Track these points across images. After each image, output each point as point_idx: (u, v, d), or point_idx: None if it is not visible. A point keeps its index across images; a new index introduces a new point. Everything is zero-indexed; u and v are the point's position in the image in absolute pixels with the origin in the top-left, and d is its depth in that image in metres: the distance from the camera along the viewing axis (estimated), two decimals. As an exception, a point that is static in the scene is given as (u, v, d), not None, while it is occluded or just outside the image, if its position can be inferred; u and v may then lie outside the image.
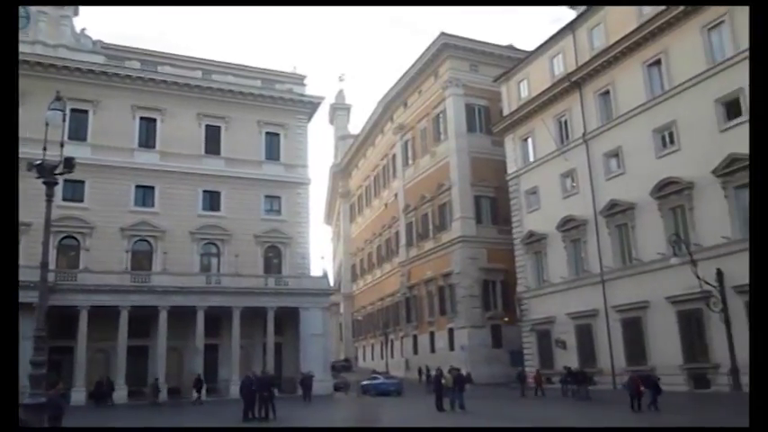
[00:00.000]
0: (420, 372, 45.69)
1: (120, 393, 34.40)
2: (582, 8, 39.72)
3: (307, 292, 40.42)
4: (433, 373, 30.19)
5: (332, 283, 47.04)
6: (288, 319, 40.19)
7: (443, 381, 26.15)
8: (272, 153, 45.64)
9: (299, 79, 48.34)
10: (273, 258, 43.88)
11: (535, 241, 40.62)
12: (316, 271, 46.34)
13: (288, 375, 38.46)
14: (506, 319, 45.61)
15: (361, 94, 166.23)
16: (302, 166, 46.22)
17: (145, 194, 41.48)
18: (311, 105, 47.61)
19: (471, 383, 39.65)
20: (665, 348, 30.84)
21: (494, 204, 48.88)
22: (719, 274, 27.74)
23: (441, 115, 52.07)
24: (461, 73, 50.50)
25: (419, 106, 55.81)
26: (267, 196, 44.46)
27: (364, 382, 40.63)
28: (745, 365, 26.79)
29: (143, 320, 37.00)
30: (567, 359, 35.96)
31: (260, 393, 23.38)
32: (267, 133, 45.72)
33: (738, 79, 28.09)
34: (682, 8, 30.84)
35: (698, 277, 27.26)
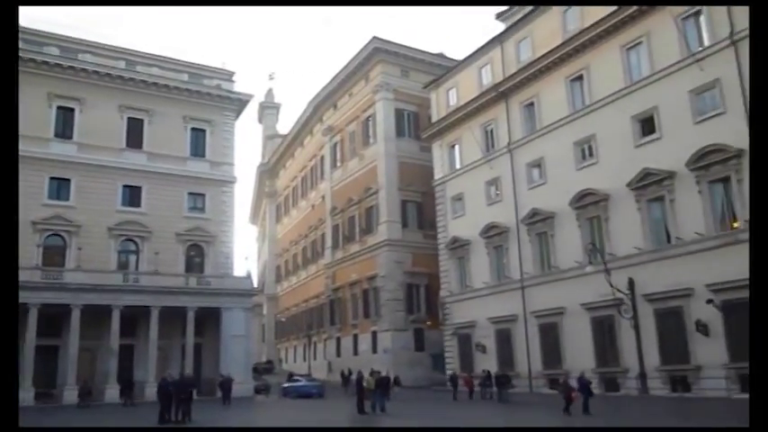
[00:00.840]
0: (343, 374, 45.65)
1: (26, 395, 32.55)
2: (511, 21, 40.90)
3: (229, 293, 39.67)
4: (354, 376, 30.21)
5: (256, 284, 46.32)
6: (209, 320, 39.33)
7: (365, 383, 26.26)
8: (198, 149, 44.56)
9: (228, 75, 47.46)
10: (195, 257, 42.82)
11: (459, 247, 41.39)
12: (239, 271, 45.63)
13: (207, 377, 37.60)
14: (429, 322, 46.25)
15: (290, 93, 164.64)
16: (228, 164, 45.37)
17: (60, 187, 39.59)
18: (239, 103, 46.83)
19: (399, 386, 40.03)
20: (580, 353, 32.05)
21: (420, 209, 49.49)
22: (631, 282, 29.15)
23: (370, 119, 52.32)
24: (392, 78, 50.93)
25: (349, 109, 55.89)
26: (191, 193, 43.37)
27: (285, 385, 40.24)
28: (652, 370, 28.27)
29: (54, 319, 35.32)
30: (487, 363, 36.79)
31: (177, 396, 22.77)
32: (193, 129, 44.60)
33: (653, 98, 29.69)
34: (603, 27, 32.21)
35: (611, 285, 28.51)
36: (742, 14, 26.42)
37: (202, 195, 43.73)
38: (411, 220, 49.51)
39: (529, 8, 39.12)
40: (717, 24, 27.48)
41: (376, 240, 49.41)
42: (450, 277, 42.14)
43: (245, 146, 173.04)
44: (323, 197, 60.73)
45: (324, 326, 57.36)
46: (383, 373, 29.17)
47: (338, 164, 57.88)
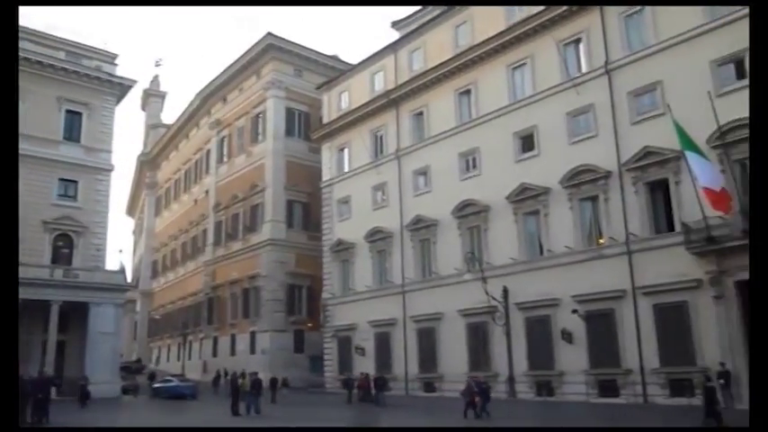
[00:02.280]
0: (218, 375, 44.49)
1: None
2: (406, 30, 41.72)
3: (99, 287, 37.46)
4: (230, 376, 29.52)
5: (129, 279, 44.14)
6: (75, 315, 36.94)
7: (240, 384, 25.77)
8: (72, 133, 41.75)
9: (110, 58, 44.91)
10: (63, 248, 40.06)
11: (343, 249, 41.57)
12: (112, 265, 43.27)
13: (71, 376, 35.30)
14: (310, 324, 46.08)
15: (178, 83, 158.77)
16: (106, 151, 42.88)
17: None
18: (121, 87, 44.41)
19: (288, 388, 39.49)
20: (454, 357, 33.13)
21: (306, 210, 49.24)
22: (505, 291, 30.54)
23: (260, 116, 51.46)
24: (285, 76, 50.39)
25: (239, 104, 54.65)
26: (62, 180, 40.52)
27: (156, 385, 38.61)
28: (520, 374, 29.73)
29: None
30: (365, 365, 37.17)
31: (34, 396, 21.27)
32: (68, 111, 41.72)
33: (534, 117, 31.33)
34: (491, 45, 33.59)
35: (487, 293, 29.75)
36: (617, 46, 28.61)
37: (75, 182, 40.99)
38: (296, 220, 49.15)
39: (425, 19, 40.16)
40: (594, 53, 29.47)
41: (259, 239, 48.60)
42: (333, 279, 42.22)
43: (126, 134, 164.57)
44: (207, 192, 58.94)
45: (201, 325, 55.63)
46: (259, 375, 28.77)
47: (224, 159, 56.42)
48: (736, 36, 24.50)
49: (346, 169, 43.18)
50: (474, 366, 32.20)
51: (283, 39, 50.63)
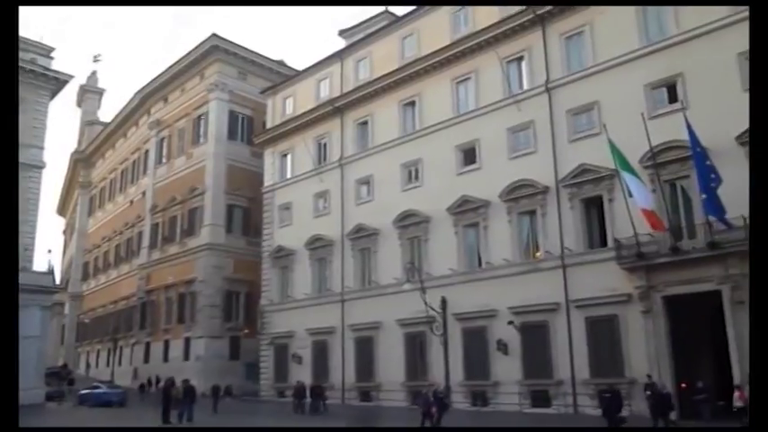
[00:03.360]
0: (150, 382, 43.31)
1: None
2: (353, 39, 41.83)
3: (26, 288, 35.84)
4: (162, 383, 28.81)
5: (58, 281, 42.47)
6: (-2, 319, 35.28)
7: (173, 392, 25.16)
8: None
9: (46, 51, 43.24)
10: (-12, 248, 38.26)
11: (283, 256, 41.20)
12: (40, 265, 41.47)
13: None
14: (247, 331, 45.38)
15: (117, 80, 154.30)
16: (37, 148, 41.18)
17: None
18: (57, 82, 42.80)
19: (231, 396, 38.70)
20: (391, 366, 33.27)
21: (246, 215, 48.58)
22: (444, 301, 30.85)
23: (202, 117, 50.55)
24: (229, 78, 49.70)
25: (180, 104, 53.54)
26: (-11, 176, 38.80)
27: (83, 392, 37.25)
28: (456, 385, 30.05)
29: None
30: (302, 374, 36.87)
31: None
32: (-2, 105, 40.02)
33: (476, 131, 31.92)
34: (437, 59, 34.07)
35: (425, 303, 29.89)
36: (558, 66, 29.49)
37: (3, 180, 39.29)
38: (236, 225, 48.42)
39: (372, 29, 40.38)
40: (536, 71, 30.30)
41: (197, 243, 47.63)
42: (272, 286, 41.77)
43: (60, 130, 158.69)
44: (143, 193, 57.39)
45: (133, 330, 54.01)
46: (192, 382, 28.17)
47: (163, 160, 55.11)
48: (670, 61, 25.81)
49: (289, 175, 42.86)
50: (411, 376, 32.42)
51: (228, 41, 49.98)
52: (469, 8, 33.89)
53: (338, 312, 36.68)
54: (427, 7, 35.98)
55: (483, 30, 32.29)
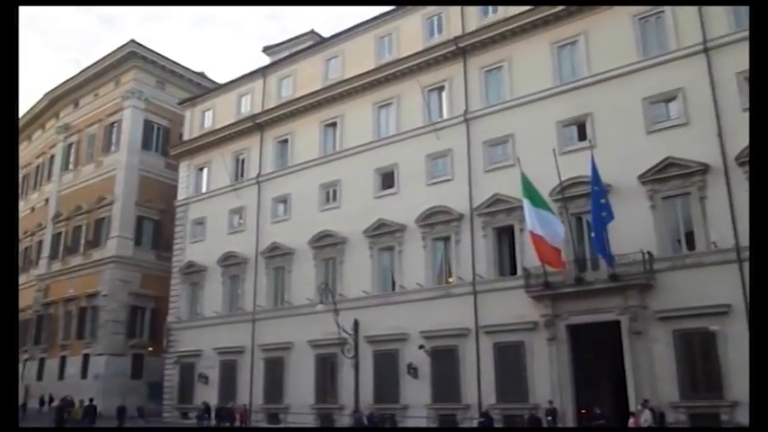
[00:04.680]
0: (42, 401, 40.82)
1: None
2: (277, 57, 41.66)
3: None
4: (55, 403, 27.26)
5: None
6: None
7: (70, 412, 23.87)
8: None
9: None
10: None
11: (194, 272, 40.07)
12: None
13: None
14: (151, 348, 43.67)
15: (24, 80, 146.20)
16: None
17: None
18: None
19: (143, 417, 36.98)
20: (301, 388, 32.84)
21: (157, 228, 47.00)
22: (356, 323, 30.88)
23: (115, 125, 48.71)
24: (146, 87, 48.27)
25: (93, 109, 51.38)
26: None
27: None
28: (366, 408, 29.96)
29: None
30: (208, 394, 35.82)
31: None
32: None
33: (395, 155, 32.38)
34: (361, 81, 34.43)
35: (338, 325, 29.85)
36: (476, 97, 30.44)
37: None
38: (146, 238, 46.74)
39: (297, 48, 40.39)
40: (455, 101, 31.17)
41: (103, 255, 45.59)
42: (181, 303, 40.48)
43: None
44: (46, 200, 54.38)
45: (26, 345, 50.77)
46: (93, 401, 26.91)
47: (70, 167, 52.55)
48: (580, 101, 27.19)
49: (204, 190, 41.89)
50: (320, 398, 32.13)
51: (148, 48, 48.61)
52: (394, 35, 34.57)
53: (249, 332, 35.94)
54: (353, 31, 36.41)
55: (406, 57, 32.96)
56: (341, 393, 31.38)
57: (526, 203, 24.98)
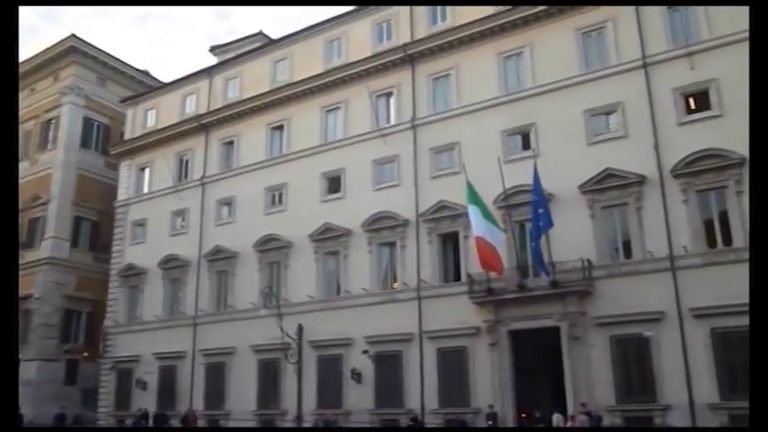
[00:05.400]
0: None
1: None
2: (224, 57, 41.08)
3: None
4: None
5: None
6: None
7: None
8: None
9: None
10: None
11: (133, 275, 39.00)
12: None
13: None
14: (86, 354, 42.20)
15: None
16: None
17: None
18: None
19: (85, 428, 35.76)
20: (243, 394, 32.35)
21: (95, 229, 45.51)
22: (300, 328, 30.63)
23: (53, 122, 46.99)
24: (86, 83, 46.76)
25: (29, 105, 49.29)
26: None
27: None
28: (308, 413, 29.76)
29: None
30: (146, 401, 34.90)
31: None
32: None
33: (342, 160, 32.35)
34: (309, 85, 34.27)
35: (281, 330, 29.56)
36: (424, 104, 30.72)
37: None
38: (83, 239, 45.17)
39: (245, 49, 39.91)
40: (403, 108, 31.39)
41: (36, 257, 43.80)
42: (119, 307, 39.32)
43: None
44: (-24, 199, 52.11)
45: (-49, 349, 48.41)
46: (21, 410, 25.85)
47: (3, 164, 50.45)
48: (524, 111, 27.77)
49: (145, 190, 40.86)
50: (262, 404, 31.74)
51: (89, 43, 47.09)
52: (343, 40, 34.57)
53: (190, 336, 35.19)
54: (302, 34, 36.23)
55: (355, 62, 33.00)
56: (283, 399, 31.06)
57: (471, 209, 25.36)
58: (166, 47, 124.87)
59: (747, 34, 23.38)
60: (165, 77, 46.84)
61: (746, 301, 21.12)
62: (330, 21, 35.30)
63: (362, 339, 29.16)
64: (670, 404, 22.47)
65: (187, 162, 39.28)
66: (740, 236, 22.52)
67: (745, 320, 21.44)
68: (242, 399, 32.31)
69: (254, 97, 36.42)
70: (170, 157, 39.64)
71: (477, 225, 25.15)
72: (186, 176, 38.96)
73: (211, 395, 33.70)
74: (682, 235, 23.55)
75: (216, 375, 33.84)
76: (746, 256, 21.95)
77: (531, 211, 24.95)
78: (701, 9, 25.03)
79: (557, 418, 23.68)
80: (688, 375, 22.34)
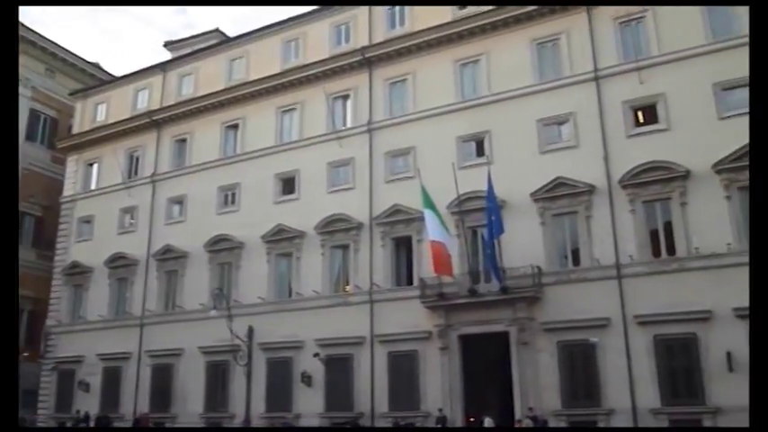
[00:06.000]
0: None
1: None
2: (179, 53, 40.35)
3: None
4: None
5: None
6: None
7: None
8: None
9: None
10: None
11: (78, 273, 37.88)
12: None
13: None
14: (27, 354, 40.69)
15: None
16: None
17: None
18: None
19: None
20: (190, 396, 31.78)
21: (39, 225, 44.01)
22: (250, 330, 30.28)
23: (-4, 113, 45.39)
24: (33, 74, 45.19)
25: (-30, 95, 47.67)
26: None
27: None
28: (257, 417, 29.42)
29: None
30: (88, 403, 33.93)
31: None
32: None
33: (298, 162, 32.16)
34: (266, 85, 33.94)
35: (231, 331, 29.18)
36: (380, 108, 30.78)
37: None
38: (26, 235, 43.54)
39: (200, 46, 39.29)
40: (359, 111, 31.39)
41: (-24, 252, 42.22)
42: (62, 306, 38.13)
43: None
44: None
45: None
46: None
47: (-58, 155, 48.46)
48: (479, 119, 28.11)
49: (93, 186, 39.76)
50: (210, 407, 31.23)
51: (37, 33, 45.58)
52: (301, 40, 34.36)
53: (136, 337, 34.37)
54: (259, 32, 35.88)
55: (312, 63, 32.86)
56: (232, 402, 30.62)
57: (427, 213, 25.53)
58: (120, 40, 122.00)
59: (694, 51, 24.55)
60: (118, 71, 45.74)
61: (687, 309, 22.19)
62: (288, 21, 35.07)
63: (314, 342, 28.99)
64: (614, 408, 23.03)
65: (137, 159, 38.42)
66: (683, 246, 23.29)
67: (686, 328, 22.43)
68: (189, 401, 31.74)
69: (208, 95, 35.88)
70: (120, 152, 38.70)
71: (433, 229, 25.34)
72: (136, 173, 38.10)
73: (157, 397, 32.98)
74: (628, 244, 24.20)
75: (162, 377, 33.14)
76: (689, 265, 22.86)
77: (486, 217, 25.26)
78: (651, 25, 25.81)
79: (488, 422, 24.04)
80: (631, 381, 22.94)
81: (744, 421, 20.40)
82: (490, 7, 28.77)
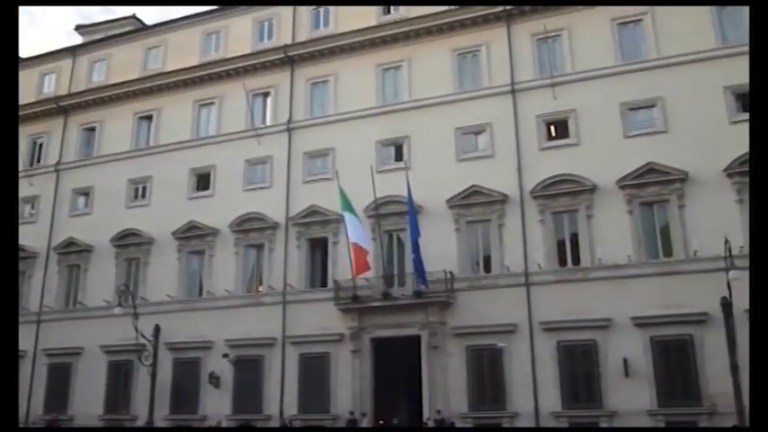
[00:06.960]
0: None
1: None
2: (91, 38, 38.58)
3: None
4: None
5: None
6: None
7: None
8: None
9: None
10: None
11: (-30, 265, 35.42)
12: None
13: None
14: None
15: None
16: None
17: None
18: None
19: None
20: (90, 397, 30.31)
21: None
22: (157, 329, 29.22)
23: None
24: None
25: None
26: None
27: None
28: (160, 419, 28.43)
29: None
30: (-25, 403, 31.72)
31: None
32: None
33: (214, 157, 31.42)
34: (183, 76, 32.96)
35: (136, 330, 27.99)
36: (301, 108, 30.53)
37: None
38: None
39: (116, 31, 37.70)
40: (280, 110, 31.06)
41: None
42: (-50, 299, 35.52)
43: None
44: None
45: None
46: None
47: None
48: (399, 124, 28.41)
49: (-10, 173, 37.32)
50: (110, 408, 29.96)
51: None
52: (222, 34, 33.61)
53: (32, 334, 32.42)
54: (179, 22, 34.86)
55: (233, 58, 32.21)
56: (134, 403, 29.49)
57: (347, 215, 25.53)
58: (29, 20, 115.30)
59: (605, 72, 25.80)
60: (23, 52, 43.10)
61: (589, 317, 23.23)
62: (210, 13, 34.28)
63: (223, 343, 28.38)
64: (518, 411, 23.79)
65: (41, 145, 36.42)
66: (588, 256, 24.39)
67: (587, 335, 23.49)
68: (88, 402, 30.28)
69: (121, 83, 34.46)
70: (21, 138, 36.43)
71: (353, 231, 25.36)
72: (39, 161, 36.12)
73: (53, 398, 31.27)
74: (537, 252, 25.08)
75: (59, 377, 31.48)
76: (592, 275, 23.96)
77: (402, 221, 25.58)
78: (566, 44, 26.87)
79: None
80: (535, 385, 23.78)
81: (636, 424, 21.75)
82: (415, 14, 29.18)
